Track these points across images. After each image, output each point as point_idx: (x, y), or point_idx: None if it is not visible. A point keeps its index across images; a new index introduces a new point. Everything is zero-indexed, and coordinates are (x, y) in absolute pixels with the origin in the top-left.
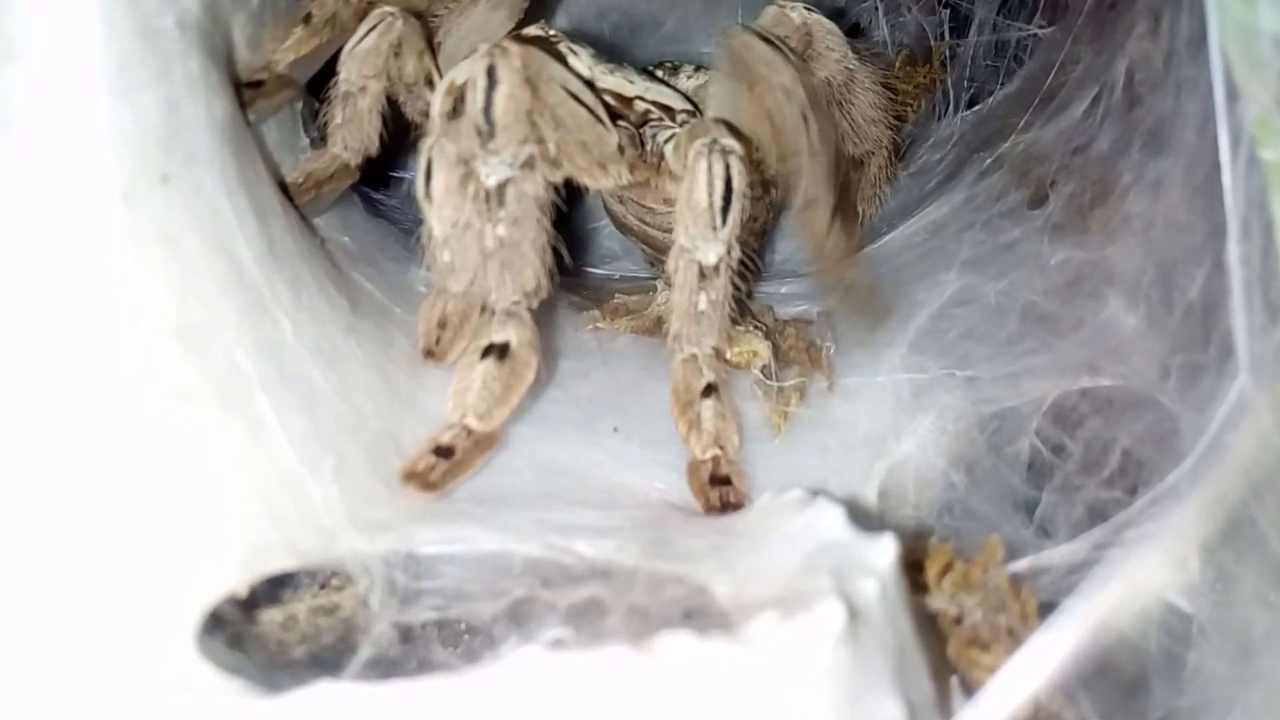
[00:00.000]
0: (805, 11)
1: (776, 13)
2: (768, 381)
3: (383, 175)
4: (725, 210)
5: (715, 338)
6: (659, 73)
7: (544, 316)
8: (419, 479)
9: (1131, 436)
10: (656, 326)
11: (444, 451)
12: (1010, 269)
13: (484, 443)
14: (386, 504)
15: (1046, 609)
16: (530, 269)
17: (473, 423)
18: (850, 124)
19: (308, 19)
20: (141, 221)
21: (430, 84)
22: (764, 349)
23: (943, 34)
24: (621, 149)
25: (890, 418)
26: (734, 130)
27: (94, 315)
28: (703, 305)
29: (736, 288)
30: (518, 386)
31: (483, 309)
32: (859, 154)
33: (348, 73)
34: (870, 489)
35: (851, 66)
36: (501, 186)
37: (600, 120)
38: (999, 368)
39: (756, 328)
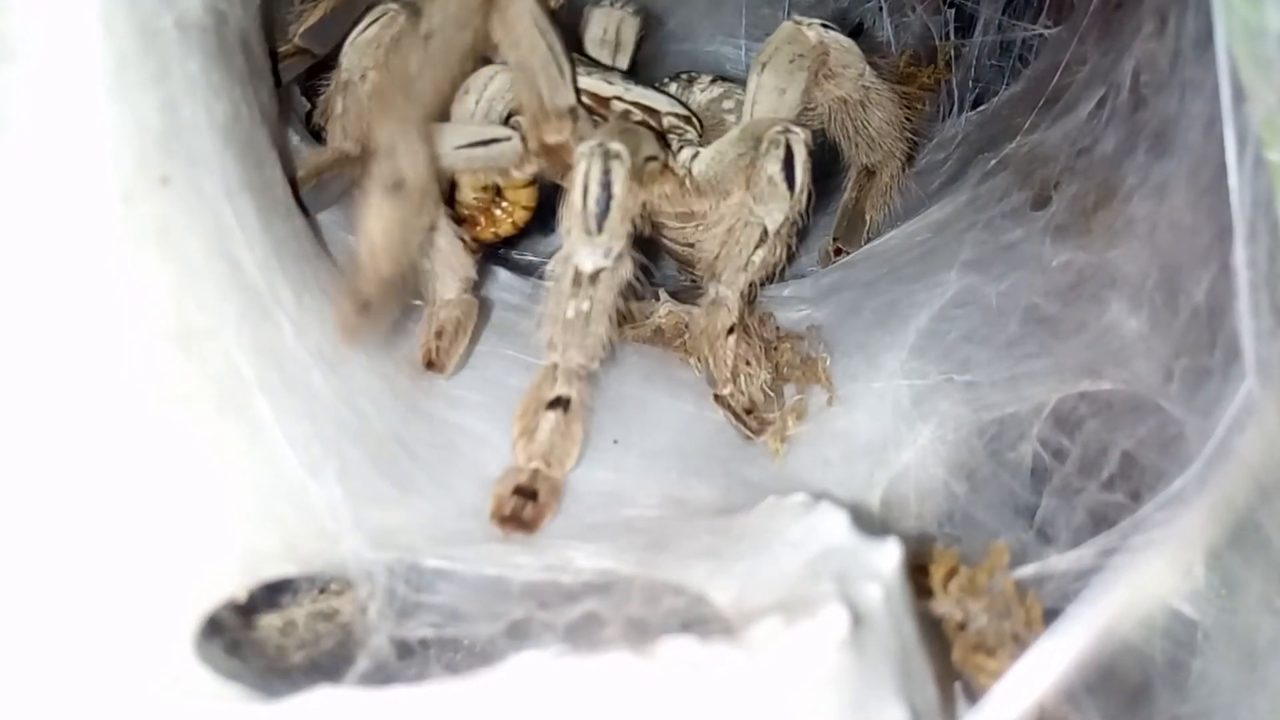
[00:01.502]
0: (822, 29)
1: (792, 29)
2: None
3: None
4: (603, 215)
5: (584, 355)
6: (674, 85)
7: None
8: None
9: (1134, 440)
10: (657, 336)
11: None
12: (1012, 270)
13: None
14: (390, 509)
15: (1052, 615)
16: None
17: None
18: (864, 137)
19: None
20: (141, 223)
21: None
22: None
23: (948, 34)
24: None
25: (890, 426)
26: (631, 136)
27: (93, 317)
28: (570, 313)
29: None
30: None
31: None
32: (871, 163)
33: (349, 62)
34: (873, 496)
35: (868, 84)
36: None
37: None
38: (999, 372)
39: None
